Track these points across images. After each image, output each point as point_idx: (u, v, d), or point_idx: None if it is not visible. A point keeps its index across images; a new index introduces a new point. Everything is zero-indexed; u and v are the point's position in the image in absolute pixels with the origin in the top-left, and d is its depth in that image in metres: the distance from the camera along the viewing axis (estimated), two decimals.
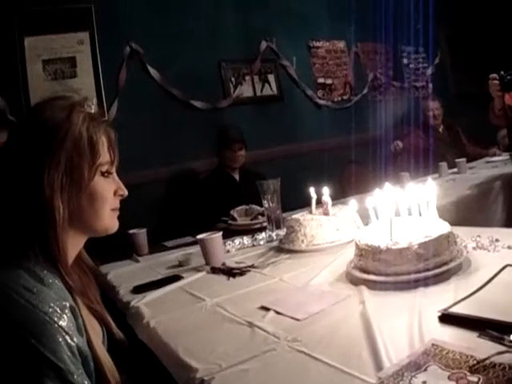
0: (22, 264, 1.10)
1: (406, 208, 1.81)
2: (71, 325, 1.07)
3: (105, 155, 1.24)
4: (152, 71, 4.48)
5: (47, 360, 0.98)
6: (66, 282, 1.15)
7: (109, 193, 1.26)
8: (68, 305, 1.09)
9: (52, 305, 1.05)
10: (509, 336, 1.11)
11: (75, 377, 1.02)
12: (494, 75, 3.25)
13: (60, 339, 1.02)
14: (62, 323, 1.04)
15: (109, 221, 1.27)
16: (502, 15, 5.70)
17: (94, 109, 1.28)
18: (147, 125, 4.39)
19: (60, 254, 1.15)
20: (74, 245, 1.25)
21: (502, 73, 3.19)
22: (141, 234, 2.94)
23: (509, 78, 3.15)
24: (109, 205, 1.26)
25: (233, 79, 4.99)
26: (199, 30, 4.76)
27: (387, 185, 1.90)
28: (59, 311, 1.05)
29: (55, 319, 1.03)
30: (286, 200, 2.82)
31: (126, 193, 1.31)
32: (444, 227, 1.71)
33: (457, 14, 6.27)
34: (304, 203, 2.76)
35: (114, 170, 1.29)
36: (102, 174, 1.24)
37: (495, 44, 5.90)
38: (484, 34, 6.31)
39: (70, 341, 1.04)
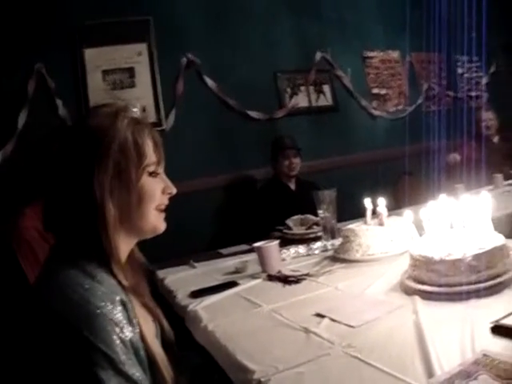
0: (77, 263, 1.18)
1: (461, 220, 1.82)
2: (122, 318, 1.13)
3: (151, 156, 1.30)
4: (208, 81, 4.55)
5: (99, 350, 1.05)
6: (117, 279, 1.21)
7: (157, 191, 1.31)
8: (119, 298, 1.15)
9: (103, 299, 1.12)
10: None
11: (127, 367, 1.08)
12: None
13: (111, 331, 1.08)
14: (114, 316, 1.11)
15: (156, 221, 1.33)
16: None
17: (137, 114, 1.34)
18: (204, 134, 4.48)
19: (113, 252, 1.22)
20: (125, 244, 1.32)
21: None
22: None
23: None
24: (157, 203, 1.32)
25: (288, 89, 5.01)
26: (255, 41, 4.82)
27: (442, 196, 1.92)
28: (110, 305, 1.12)
29: (106, 312, 1.10)
30: (340, 210, 2.84)
31: (174, 190, 1.36)
32: (498, 239, 1.71)
33: None
34: (358, 214, 2.76)
35: (161, 170, 1.35)
36: (150, 174, 1.30)
37: None
38: None
39: (120, 333, 1.10)
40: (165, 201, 1.35)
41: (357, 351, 1.36)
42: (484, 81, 6.44)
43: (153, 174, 1.31)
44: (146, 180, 1.29)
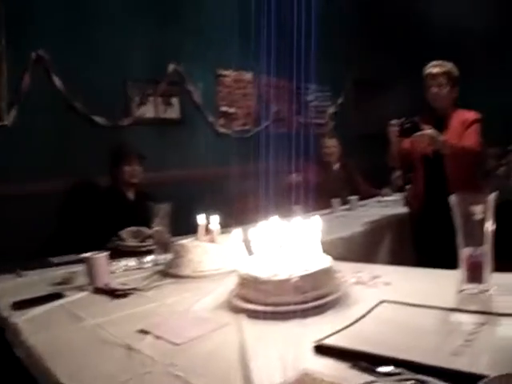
0: None
1: (290, 241, 1.84)
2: None
3: None
4: (56, 81, 4.39)
5: None
6: None
7: None
8: None
9: None
10: (378, 367, 1.17)
11: None
12: (394, 121, 3.44)
13: None
14: None
15: None
16: (409, 66, 5.94)
17: None
18: (48, 135, 4.30)
19: None
20: None
21: (403, 119, 3.38)
22: None
23: (407, 125, 3.34)
24: None
25: (136, 98, 4.96)
26: (108, 45, 4.71)
27: (273, 217, 1.94)
28: None
29: None
30: (180, 224, 2.80)
31: None
32: (325, 262, 1.77)
33: (367, 60, 6.51)
34: (195, 229, 2.77)
35: None
36: None
37: (399, 91, 6.15)
38: (389, 81, 6.58)
39: None
40: None
41: (179, 370, 1.33)
42: (331, 110, 6.72)
43: None
44: None
